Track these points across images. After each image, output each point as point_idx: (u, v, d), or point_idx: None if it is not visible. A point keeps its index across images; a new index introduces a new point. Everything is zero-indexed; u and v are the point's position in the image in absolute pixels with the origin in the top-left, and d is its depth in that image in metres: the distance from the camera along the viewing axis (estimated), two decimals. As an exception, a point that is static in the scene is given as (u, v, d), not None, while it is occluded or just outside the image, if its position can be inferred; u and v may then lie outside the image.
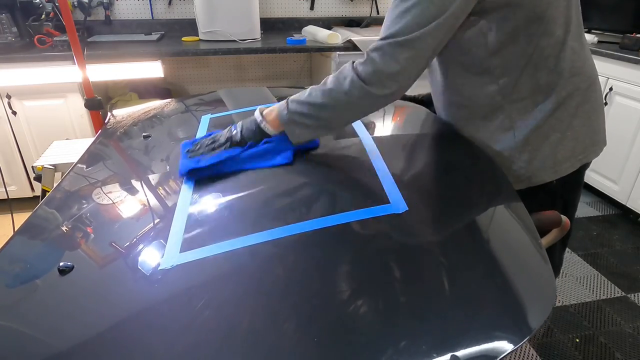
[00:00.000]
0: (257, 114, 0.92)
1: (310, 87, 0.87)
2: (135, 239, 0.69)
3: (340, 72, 0.84)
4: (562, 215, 0.78)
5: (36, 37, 2.15)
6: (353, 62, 0.83)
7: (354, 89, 0.81)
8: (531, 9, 0.80)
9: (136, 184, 0.87)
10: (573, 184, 1.01)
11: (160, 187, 0.85)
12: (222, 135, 0.93)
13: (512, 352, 0.50)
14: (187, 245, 0.66)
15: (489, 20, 0.81)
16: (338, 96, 0.82)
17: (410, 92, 1.27)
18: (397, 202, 0.74)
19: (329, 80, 0.84)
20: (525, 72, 0.86)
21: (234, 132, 0.92)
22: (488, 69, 0.87)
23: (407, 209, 0.73)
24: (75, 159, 0.99)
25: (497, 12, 0.80)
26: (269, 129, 0.90)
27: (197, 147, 0.92)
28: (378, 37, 0.81)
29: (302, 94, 0.87)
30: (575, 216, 1.08)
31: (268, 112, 0.91)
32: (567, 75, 0.87)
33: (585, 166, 0.99)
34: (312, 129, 0.88)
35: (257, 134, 0.91)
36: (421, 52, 0.79)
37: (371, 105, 0.85)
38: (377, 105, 0.86)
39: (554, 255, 1.12)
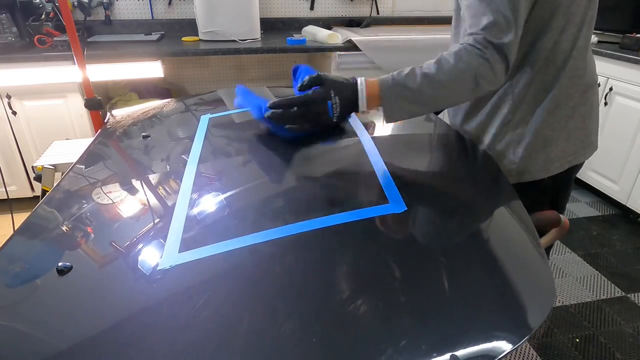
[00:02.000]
0: (361, 91, 0.85)
1: (411, 67, 0.83)
2: (134, 239, 0.69)
3: (458, 57, 0.79)
4: (561, 215, 0.78)
5: (36, 37, 2.15)
6: (467, 50, 0.78)
7: (469, 80, 0.79)
8: (552, 4, 0.81)
9: (135, 183, 0.87)
10: (563, 184, 1.02)
11: (159, 187, 0.85)
12: (315, 112, 0.86)
13: (511, 351, 0.50)
14: (186, 245, 0.66)
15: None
16: (451, 80, 0.80)
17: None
18: (396, 202, 0.74)
19: (445, 62, 0.80)
20: (537, 67, 0.86)
21: (332, 115, 0.86)
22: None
23: (406, 208, 0.73)
24: (75, 159, 0.99)
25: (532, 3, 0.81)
26: (364, 108, 0.85)
27: (284, 113, 0.86)
28: (477, 23, 0.79)
29: (411, 70, 0.82)
30: (575, 216, 1.08)
31: (371, 86, 0.85)
32: (571, 75, 0.88)
33: (575, 168, 1.00)
34: (413, 106, 0.84)
35: (347, 117, 0.88)
36: (514, 49, 0.79)
37: (475, 95, 0.84)
38: (481, 94, 0.84)
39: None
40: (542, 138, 0.92)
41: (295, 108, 0.86)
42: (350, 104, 0.85)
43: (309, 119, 0.87)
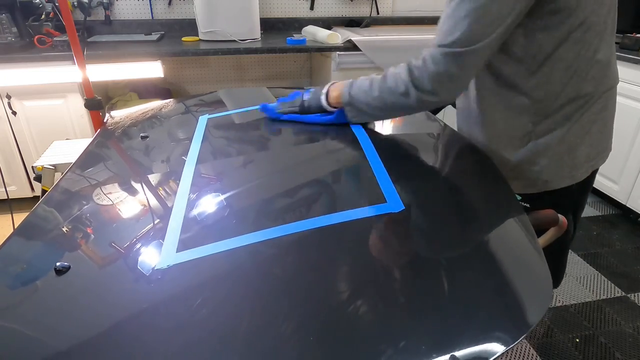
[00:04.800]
0: (324, 88, 1.04)
1: (372, 77, 0.95)
2: (132, 239, 0.69)
3: (398, 73, 0.88)
4: (559, 215, 0.78)
5: (36, 37, 2.16)
6: (410, 63, 0.86)
7: (407, 93, 0.86)
8: (580, 11, 0.78)
9: (133, 184, 0.87)
10: (585, 188, 1.01)
11: (158, 188, 0.85)
12: (299, 98, 1.08)
13: (507, 350, 0.50)
14: (184, 245, 0.66)
15: (539, 25, 0.80)
16: (392, 97, 0.89)
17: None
18: (394, 201, 0.74)
19: (389, 77, 0.90)
20: (559, 77, 0.85)
21: (305, 99, 1.07)
22: (526, 73, 0.86)
23: (404, 208, 0.73)
24: (75, 159, 0.99)
25: (550, 15, 0.79)
26: (326, 104, 1.03)
27: (283, 106, 1.11)
28: (435, 37, 0.81)
29: (365, 82, 0.95)
30: (575, 216, 1.10)
31: (333, 88, 1.03)
32: (595, 83, 0.86)
33: (595, 172, 0.99)
34: (367, 116, 0.99)
35: (318, 106, 1.05)
36: (479, 62, 0.80)
37: (421, 108, 0.92)
38: (427, 108, 0.93)
39: (557, 259, 1.12)
40: (567, 145, 0.90)
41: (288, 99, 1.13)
42: (318, 92, 1.05)
43: (292, 103, 1.10)
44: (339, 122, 1.04)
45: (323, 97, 1.03)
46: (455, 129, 1.09)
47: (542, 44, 0.82)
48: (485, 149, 0.99)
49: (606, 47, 0.85)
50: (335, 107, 1.03)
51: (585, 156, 0.92)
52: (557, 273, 1.15)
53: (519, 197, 0.95)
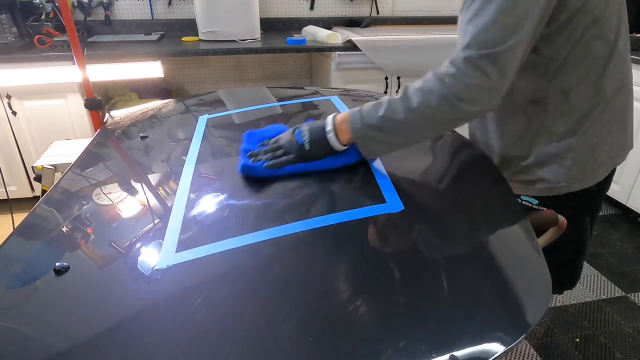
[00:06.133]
0: (328, 121, 0.83)
1: (387, 98, 0.79)
2: (131, 239, 0.69)
3: (425, 86, 0.76)
4: (559, 215, 0.78)
5: (36, 37, 2.16)
6: (437, 73, 0.75)
7: (443, 105, 0.74)
8: (590, 11, 0.77)
9: (133, 184, 0.87)
10: (604, 188, 1.00)
11: (157, 187, 0.85)
12: (287, 142, 0.85)
13: (507, 350, 0.50)
14: (184, 245, 0.66)
15: (558, 26, 0.79)
16: (424, 112, 0.75)
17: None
18: (393, 202, 0.74)
19: (412, 94, 0.76)
20: (576, 77, 0.84)
21: (302, 142, 0.83)
22: (545, 74, 0.85)
23: (403, 208, 0.73)
24: (75, 159, 1.00)
25: (562, 16, 0.77)
26: (337, 143, 0.82)
27: (259, 153, 0.87)
28: (462, 42, 0.74)
29: (378, 107, 0.79)
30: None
31: (340, 121, 0.82)
32: (614, 80, 0.85)
33: (614, 169, 0.98)
34: (389, 145, 0.82)
35: (325, 148, 0.83)
36: (515, 61, 0.73)
37: (460, 121, 0.79)
38: (466, 120, 0.80)
39: (574, 262, 1.10)
40: (589, 145, 0.89)
41: (268, 145, 0.89)
42: (319, 129, 0.84)
43: (281, 149, 0.86)
44: (348, 155, 0.85)
45: (332, 136, 0.82)
46: (466, 135, 1.08)
47: (559, 47, 0.81)
48: (502, 155, 0.97)
49: (622, 44, 0.84)
50: (346, 145, 0.84)
51: (607, 155, 0.91)
52: (573, 276, 1.13)
53: (535, 201, 0.92)
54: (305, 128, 0.85)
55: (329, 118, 0.84)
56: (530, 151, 0.93)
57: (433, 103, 0.74)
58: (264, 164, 0.84)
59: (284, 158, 0.84)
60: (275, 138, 0.89)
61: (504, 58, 0.71)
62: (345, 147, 0.84)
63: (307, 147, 0.83)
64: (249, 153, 0.88)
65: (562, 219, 0.77)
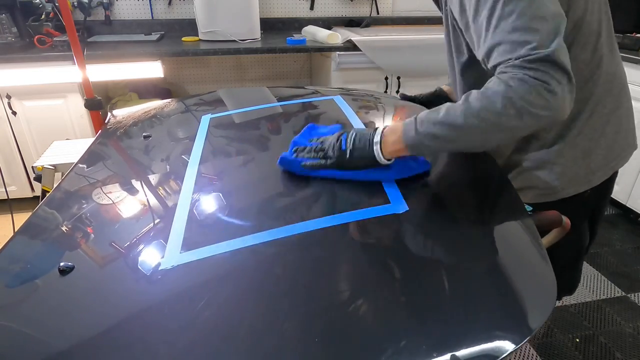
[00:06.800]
0: (377, 131, 0.80)
1: (446, 105, 0.74)
2: (135, 239, 0.69)
3: (487, 90, 0.70)
4: (562, 216, 0.78)
5: (36, 37, 2.15)
6: (501, 77, 0.68)
7: (510, 109, 0.67)
8: (571, 15, 0.76)
9: (136, 184, 0.87)
10: (604, 192, 0.98)
11: (161, 187, 0.85)
12: (331, 144, 0.82)
13: (512, 352, 0.50)
14: (188, 245, 0.66)
15: None
16: (488, 117, 0.68)
17: (410, 93, 1.27)
18: (397, 202, 0.74)
19: (473, 99, 0.70)
20: None
21: (345, 148, 0.80)
22: None
23: (408, 209, 0.73)
24: (75, 159, 0.99)
25: None
26: (381, 156, 0.78)
27: (305, 149, 0.85)
28: (504, 49, 0.68)
29: (436, 113, 0.74)
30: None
31: (389, 132, 0.78)
32: (601, 82, 0.85)
33: (616, 172, 0.97)
34: (442, 151, 0.81)
35: (367, 159, 0.79)
36: (567, 57, 0.67)
37: (529, 127, 0.70)
38: (537, 126, 0.71)
39: (573, 268, 1.10)
40: (580, 150, 0.88)
41: (314, 143, 0.86)
42: (365, 138, 0.80)
43: (323, 151, 0.83)
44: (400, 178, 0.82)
45: (378, 148, 0.78)
46: None
47: None
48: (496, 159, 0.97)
49: (605, 45, 0.84)
50: (390, 160, 0.80)
51: (603, 158, 0.90)
52: (572, 283, 1.13)
53: (530, 208, 0.92)
54: (352, 134, 0.82)
55: (379, 128, 0.81)
56: (520, 158, 0.93)
57: (498, 107, 0.67)
58: (301, 163, 0.83)
59: (322, 161, 0.82)
60: (323, 138, 0.87)
61: (559, 55, 0.66)
62: (389, 162, 0.80)
63: (348, 154, 0.80)
64: (295, 148, 0.87)
65: (566, 219, 0.77)
